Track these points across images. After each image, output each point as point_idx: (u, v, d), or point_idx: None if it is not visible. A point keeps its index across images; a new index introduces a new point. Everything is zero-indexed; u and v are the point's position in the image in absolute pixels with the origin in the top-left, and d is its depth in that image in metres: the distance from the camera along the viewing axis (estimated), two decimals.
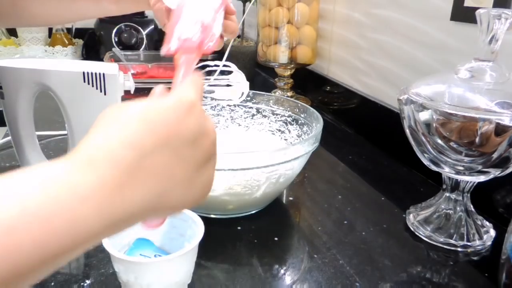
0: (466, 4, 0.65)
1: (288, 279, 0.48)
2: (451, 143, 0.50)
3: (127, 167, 0.24)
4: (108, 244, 0.40)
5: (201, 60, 0.57)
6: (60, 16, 0.60)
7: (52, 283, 0.45)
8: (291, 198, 0.67)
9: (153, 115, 0.27)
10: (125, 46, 1.44)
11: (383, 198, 0.67)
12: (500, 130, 0.46)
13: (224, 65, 0.60)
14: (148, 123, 0.26)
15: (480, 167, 0.50)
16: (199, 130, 0.29)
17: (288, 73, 1.12)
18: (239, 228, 0.57)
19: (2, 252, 0.20)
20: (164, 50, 0.38)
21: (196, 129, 0.29)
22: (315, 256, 0.52)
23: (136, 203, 0.25)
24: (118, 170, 0.24)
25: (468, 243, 0.54)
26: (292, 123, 0.71)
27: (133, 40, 1.47)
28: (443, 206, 0.57)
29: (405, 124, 0.54)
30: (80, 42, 1.52)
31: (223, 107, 0.76)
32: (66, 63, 0.57)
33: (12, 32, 1.45)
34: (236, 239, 0.54)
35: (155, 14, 0.53)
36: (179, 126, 0.28)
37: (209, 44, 0.41)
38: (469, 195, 0.56)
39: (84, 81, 0.54)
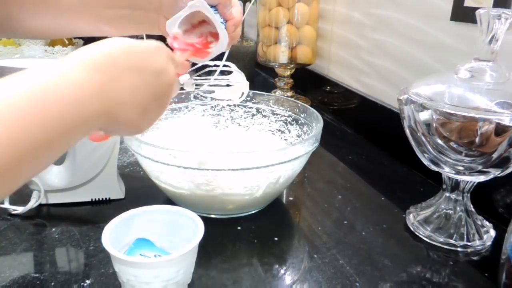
0: (466, 4, 0.65)
1: (288, 279, 0.48)
2: (451, 143, 0.50)
3: (106, 74, 0.32)
4: (108, 244, 0.40)
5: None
6: (57, 31, 0.59)
7: (52, 283, 0.45)
8: (291, 198, 0.67)
9: (132, 45, 0.36)
10: None
11: (383, 198, 0.67)
12: (500, 130, 0.46)
13: (224, 65, 0.60)
14: (127, 49, 0.35)
15: (480, 167, 0.50)
16: (162, 67, 0.38)
17: (288, 73, 1.12)
18: (239, 228, 0.57)
19: (11, 133, 0.25)
20: (169, 42, 0.48)
21: (161, 65, 0.38)
22: (315, 256, 0.52)
23: (107, 100, 0.32)
24: (102, 75, 0.32)
25: (468, 243, 0.54)
26: (292, 123, 0.71)
27: None
28: (443, 206, 0.57)
29: (405, 124, 0.54)
30: (80, 42, 1.52)
31: (223, 107, 0.76)
32: None
33: None
34: (236, 239, 0.54)
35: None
36: (149, 58, 0.37)
37: (206, 50, 0.51)
38: (469, 195, 0.56)
39: None
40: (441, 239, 0.54)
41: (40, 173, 0.58)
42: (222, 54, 0.60)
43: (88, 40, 1.53)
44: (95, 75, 0.31)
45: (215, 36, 0.51)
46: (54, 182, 0.59)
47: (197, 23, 0.51)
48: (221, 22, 0.49)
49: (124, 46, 0.35)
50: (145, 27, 0.54)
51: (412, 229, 0.58)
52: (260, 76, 1.42)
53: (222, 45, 0.50)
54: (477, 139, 0.47)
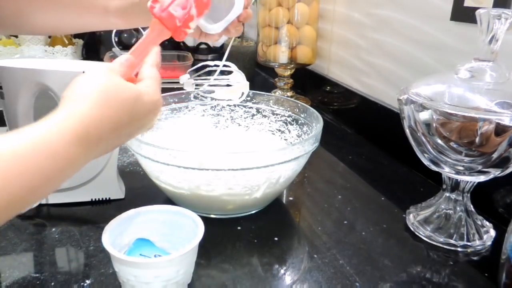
0: (466, 4, 0.65)
1: (288, 279, 0.48)
2: (451, 143, 0.50)
3: (87, 137, 0.33)
4: (108, 244, 0.40)
5: (201, 60, 0.57)
6: (64, 27, 0.59)
7: (52, 283, 0.45)
8: (291, 198, 0.67)
9: (130, 103, 0.36)
10: (125, 46, 1.44)
11: (383, 198, 0.67)
12: (500, 130, 0.46)
13: (224, 65, 0.60)
14: (113, 112, 0.35)
15: (480, 167, 0.50)
16: (148, 119, 0.39)
17: (288, 73, 1.12)
18: (239, 228, 0.57)
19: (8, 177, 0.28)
20: (148, 4, 0.44)
21: (146, 118, 0.39)
22: (315, 256, 0.52)
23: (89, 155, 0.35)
24: (81, 144, 0.33)
25: (468, 243, 0.54)
26: (292, 123, 0.71)
27: (133, 40, 1.47)
28: (443, 206, 0.57)
29: (405, 124, 0.54)
30: (80, 42, 1.52)
31: (223, 107, 0.76)
32: (66, 63, 0.57)
33: None
34: (236, 239, 0.54)
35: None
36: (136, 116, 0.38)
37: (185, 29, 0.46)
38: (469, 195, 0.56)
39: None
40: (441, 239, 0.54)
41: None
42: (222, 54, 0.60)
43: (88, 40, 1.53)
44: (78, 144, 0.33)
45: (200, 7, 0.47)
46: None
47: None
48: None
49: (111, 109, 0.35)
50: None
51: (412, 229, 0.58)
52: (260, 76, 1.42)
53: (237, 10, 0.48)
54: (477, 139, 0.47)
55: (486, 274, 0.50)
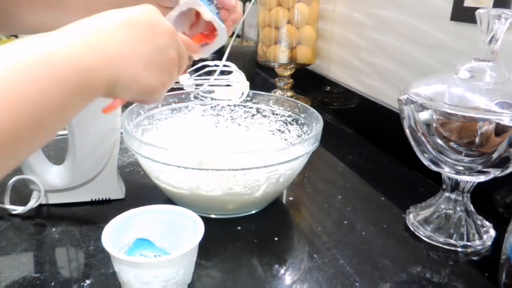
0: (466, 4, 0.65)
1: (288, 279, 0.48)
2: (451, 143, 0.50)
3: (94, 30, 0.34)
4: (108, 244, 0.40)
5: (201, 60, 0.57)
6: (53, 26, 0.59)
7: (52, 283, 0.45)
8: (291, 198, 0.67)
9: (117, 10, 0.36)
10: None
11: (383, 198, 0.67)
12: (500, 130, 0.46)
13: (224, 65, 0.60)
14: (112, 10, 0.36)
15: (480, 167, 0.50)
16: (154, 20, 0.37)
17: (288, 73, 1.12)
18: (239, 228, 0.57)
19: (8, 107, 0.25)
20: None
21: (151, 19, 0.37)
22: (315, 256, 0.52)
23: (100, 52, 0.32)
24: (89, 29, 0.34)
25: (468, 243, 0.54)
26: (292, 123, 0.71)
27: None
28: (443, 206, 0.57)
29: (405, 124, 0.54)
30: None
31: (223, 107, 0.76)
32: None
33: None
34: (236, 239, 0.54)
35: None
36: (137, 12, 0.36)
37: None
38: (469, 195, 0.56)
39: None
40: (441, 239, 0.54)
41: (41, 172, 0.58)
42: (222, 54, 0.60)
43: None
44: (80, 30, 0.33)
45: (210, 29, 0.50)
46: (54, 182, 0.59)
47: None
48: (217, 13, 0.49)
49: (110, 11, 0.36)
50: None
51: (412, 229, 0.58)
52: (260, 76, 1.42)
53: (221, 39, 0.50)
54: (477, 139, 0.47)
55: (486, 274, 0.50)
